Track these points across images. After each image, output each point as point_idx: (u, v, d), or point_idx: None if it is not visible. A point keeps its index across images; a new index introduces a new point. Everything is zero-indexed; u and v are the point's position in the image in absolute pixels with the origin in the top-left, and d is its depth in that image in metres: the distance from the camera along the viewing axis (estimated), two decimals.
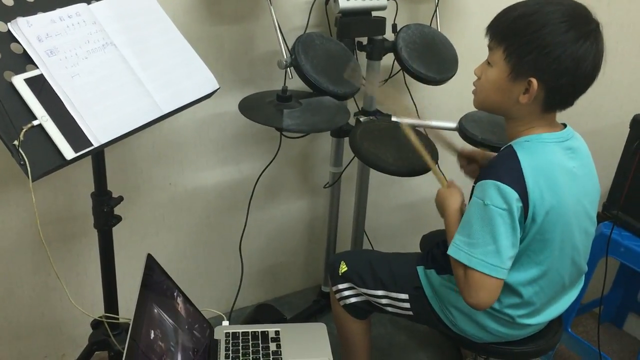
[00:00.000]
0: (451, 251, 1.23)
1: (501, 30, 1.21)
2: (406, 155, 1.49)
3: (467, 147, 1.53)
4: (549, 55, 1.14)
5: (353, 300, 1.53)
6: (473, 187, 1.27)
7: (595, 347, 1.94)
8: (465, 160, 1.47)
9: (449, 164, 1.52)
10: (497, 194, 1.17)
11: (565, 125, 1.29)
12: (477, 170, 1.44)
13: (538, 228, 1.21)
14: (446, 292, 1.40)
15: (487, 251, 1.18)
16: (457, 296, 1.37)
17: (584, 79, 1.18)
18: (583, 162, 1.28)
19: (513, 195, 1.16)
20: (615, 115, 2.15)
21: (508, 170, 1.19)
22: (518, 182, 1.17)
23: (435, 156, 1.50)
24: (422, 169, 1.47)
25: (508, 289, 1.28)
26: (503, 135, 1.34)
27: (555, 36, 1.14)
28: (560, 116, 1.28)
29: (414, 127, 1.50)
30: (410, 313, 1.46)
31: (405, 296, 1.45)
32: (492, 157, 1.32)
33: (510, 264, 1.20)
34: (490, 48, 1.24)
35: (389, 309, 1.48)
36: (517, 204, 1.17)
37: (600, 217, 1.82)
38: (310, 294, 2.24)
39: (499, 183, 1.17)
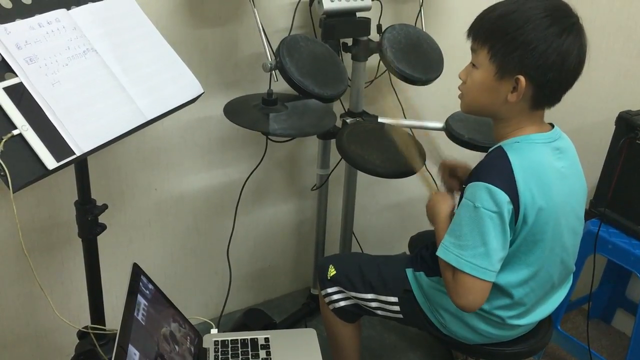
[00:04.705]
0: (440, 252, 1.23)
1: (484, 31, 1.21)
2: (393, 157, 1.49)
3: (451, 157, 1.49)
4: (535, 51, 1.15)
5: (342, 304, 1.52)
6: (463, 188, 1.26)
7: (584, 344, 1.95)
8: (447, 172, 1.46)
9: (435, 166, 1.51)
10: (488, 197, 1.17)
11: (552, 126, 1.29)
12: (457, 185, 1.43)
13: (529, 229, 1.21)
14: (436, 295, 1.39)
15: (477, 253, 1.18)
16: (447, 298, 1.36)
17: (570, 72, 1.18)
18: (571, 162, 1.29)
19: (504, 198, 1.16)
20: (600, 112, 2.15)
21: (499, 172, 1.19)
22: (509, 185, 1.17)
23: (422, 159, 1.49)
24: (410, 171, 1.46)
25: (499, 290, 1.27)
26: (490, 135, 1.33)
27: (539, 32, 1.14)
28: (546, 114, 1.28)
29: (401, 129, 1.49)
30: (400, 316, 1.46)
31: (394, 299, 1.44)
32: (479, 162, 1.31)
33: (499, 266, 1.20)
34: (473, 50, 1.24)
35: (379, 312, 1.47)
36: (507, 207, 1.17)
37: (587, 215, 1.82)
38: (299, 297, 2.23)
39: (490, 185, 1.17)
